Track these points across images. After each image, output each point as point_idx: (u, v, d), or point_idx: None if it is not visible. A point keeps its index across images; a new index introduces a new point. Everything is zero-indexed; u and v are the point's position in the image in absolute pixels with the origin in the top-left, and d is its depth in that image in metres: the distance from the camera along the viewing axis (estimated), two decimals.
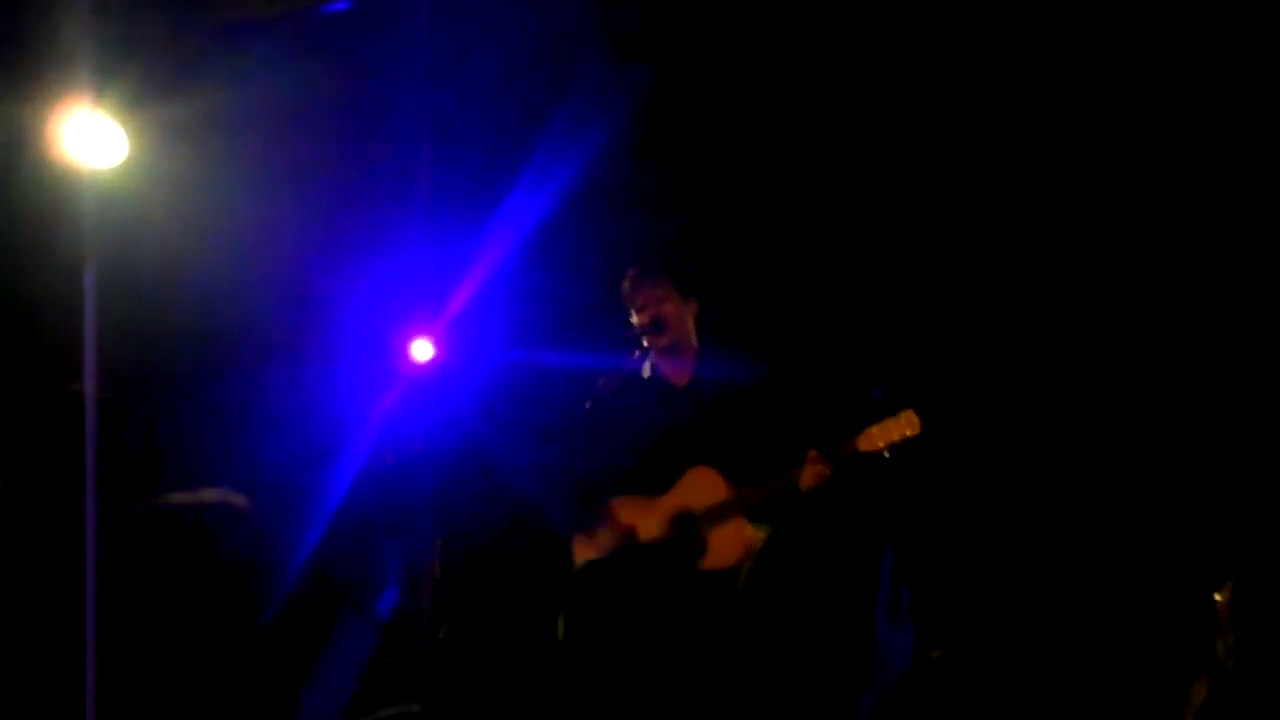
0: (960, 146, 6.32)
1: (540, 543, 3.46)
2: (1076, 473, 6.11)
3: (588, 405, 5.57)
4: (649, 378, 5.59)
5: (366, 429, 6.59)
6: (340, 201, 6.40)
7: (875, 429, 5.19)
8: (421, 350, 6.75)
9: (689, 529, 5.31)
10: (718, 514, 5.30)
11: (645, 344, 5.51)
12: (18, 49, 5.67)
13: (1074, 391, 6.19)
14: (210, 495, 2.23)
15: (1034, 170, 6.21)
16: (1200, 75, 5.87)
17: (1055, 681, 2.93)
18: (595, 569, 3.20)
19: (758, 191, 6.65)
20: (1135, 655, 5.51)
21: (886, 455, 5.17)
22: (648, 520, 5.38)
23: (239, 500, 2.26)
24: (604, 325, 5.86)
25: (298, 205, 6.28)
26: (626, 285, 5.53)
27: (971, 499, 6.25)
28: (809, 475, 5.17)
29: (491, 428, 6.63)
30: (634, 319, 5.51)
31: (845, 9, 6.38)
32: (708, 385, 5.52)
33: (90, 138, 5.63)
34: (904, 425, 5.17)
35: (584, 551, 5.35)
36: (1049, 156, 6.18)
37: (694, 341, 5.56)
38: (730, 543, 5.27)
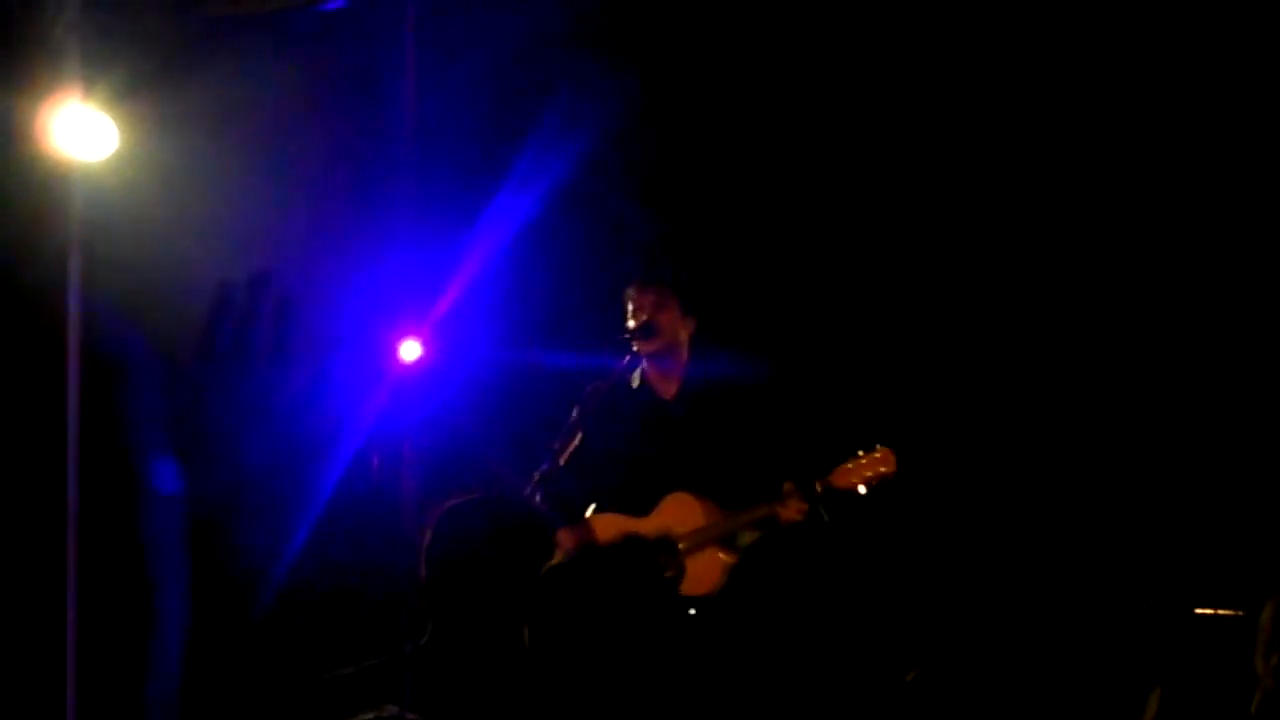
0: (953, 163, 6.30)
1: (525, 546, 3.43)
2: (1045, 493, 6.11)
3: (575, 412, 5.55)
4: (637, 387, 5.58)
5: (354, 428, 6.56)
6: (330, 198, 6.37)
7: (851, 465, 5.16)
8: (409, 350, 6.71)
9: (669, 552, 5.30)
10: (697, 540, 5.29)
11: (635, 348, 5.51)
12: (5, 41, 5.64)
13: (1060, 403, 6.19)
14: None
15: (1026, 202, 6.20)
16: (1200, 75, 5.85)
17: (1019, 692, 2.93)
18: (562, 572, 3.17)
19: (752, 200, 6.63)
20: (1093, 667, 5.52)
21: (863, 492, 5.14)
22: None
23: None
24: (595, 327, 5.86)
25: (287, 201, 6.25)
26: (631, 290, 5.54)
27: (942, 515, 6.24)
28: (787, 509, 5.14)
29: (479, 429, 6.61)
30: (629, 322, 5.51)
31: (831, 13, 6.37)
32: (694, 400, 5.51)
33: (80, 130, 5.61)
34: (880, 463, 5.14)
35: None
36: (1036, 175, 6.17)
37: (685, 355, 5.56)
38: (708, 570, 5.26)
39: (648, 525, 5.35)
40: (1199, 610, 5.25)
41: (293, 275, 6.47)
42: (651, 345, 5.51)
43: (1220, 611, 5.16)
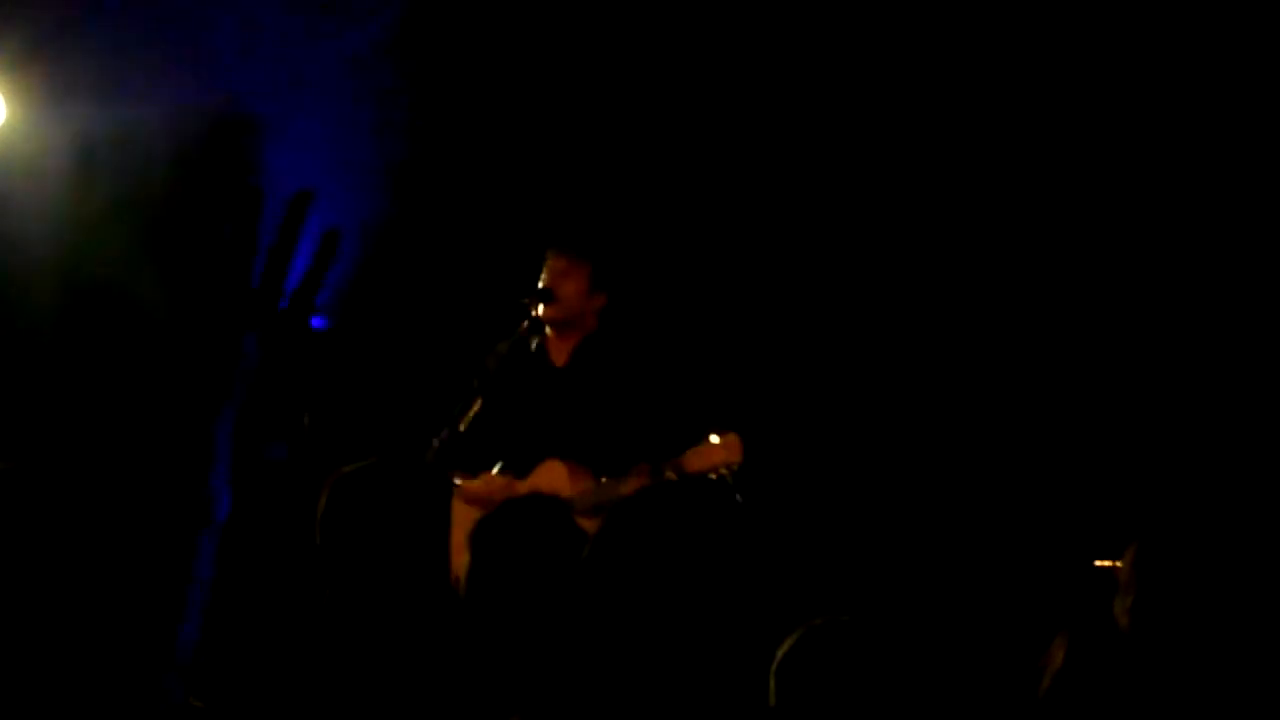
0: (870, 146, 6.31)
1: (421, 510, 3.43)
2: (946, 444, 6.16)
3: (477, 375, 5.53)
4: (534, 350, 5.57)
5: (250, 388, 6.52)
6: None
7: (699, 451, 5.07)
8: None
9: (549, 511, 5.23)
10: (574, 508, 5.22)
11: (533, 311, 5.49)
12: None
13: (957, 366, 6.23)
14: None
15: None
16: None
17: (926, 647, 2.97)
18: (505, 515, 3.18)
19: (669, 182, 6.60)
20: (994, 621, 5.59)
21: (713, 478, 5.06)
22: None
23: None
24: (499, 293, 5.84)
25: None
26: (548, 252, 5.51)
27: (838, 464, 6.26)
28: (631, 489, 5.06)
29: (377, 396, 6.59)
30: (539, 284, 5.50)
31: None
32: (581, 369, 5.49)
33: None
34: (725, 450, 5.05)
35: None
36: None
37: (589, 327, 5.52)
38: None
39: (521, 488, 5.32)
40: (1098, 563, 5.33)
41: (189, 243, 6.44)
42: (548, 312, 5.47)
43: (1118, 563, 5.24)
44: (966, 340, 6.23)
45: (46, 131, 5.83)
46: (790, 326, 6.42)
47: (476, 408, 5.42)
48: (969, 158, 6.19)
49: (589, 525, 5.13)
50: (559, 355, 5.54)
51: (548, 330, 5.52)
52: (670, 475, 5.03)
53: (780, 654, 3.10)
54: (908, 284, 6.31)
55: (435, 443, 5.39)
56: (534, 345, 5.55)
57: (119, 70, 5.89)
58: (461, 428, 5.39)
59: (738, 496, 5.08)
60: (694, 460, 5.06)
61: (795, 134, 6.40)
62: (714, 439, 5.05)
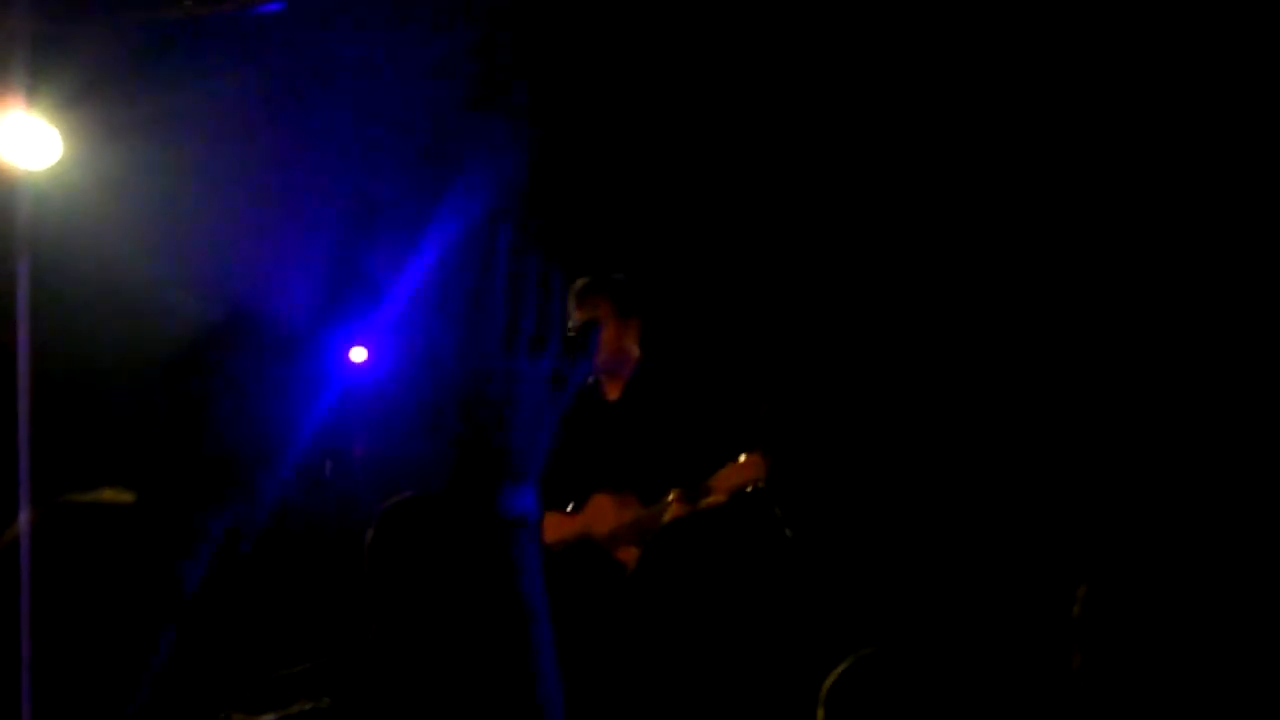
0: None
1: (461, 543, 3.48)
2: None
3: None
4: (590, 386, 5.58)
5: (305, 432, 6.59)
6: (275, 203, 6.40)
7: (728, 470, 5.06)
8: (356, 354, 6.74)
9: (589, 552, 5.24)
10: (614, 541, 5.25)
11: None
12: None
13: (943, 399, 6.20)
14: (108, 495, 2.21)
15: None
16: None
17: (975, 678, 2.99)
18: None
19: (702, 207, 6.61)
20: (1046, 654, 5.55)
21: (744, 493, 5.04)
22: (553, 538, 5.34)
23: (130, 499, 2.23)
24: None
25: (232, 207, 6.28)
26: (571, 298, 5.52)
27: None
28: (670, 516, 5.08)
29: (424, 430, 6.64)
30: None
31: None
32: (634, 401, 5.50)
33: (24, 139, 5.64)
34: (753, 469, 5.04)
35: None
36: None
37: (630, 356, 5.53)
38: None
39: (573, 524, 5.34)
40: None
41: (241, 280, 6.53)
42: None
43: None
44: (1006, 359, 6.21)
45: (102, 168, 5.93)
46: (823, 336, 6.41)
47: None
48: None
49: (630, 555, 5.21)
50: (612, 390, 5.55)
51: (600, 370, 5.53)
52: (706, 498, 5.04)
53: (829, 684, 3.13)
54: (937, 285, 6.30)
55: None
56: (591, 380, 5.56)
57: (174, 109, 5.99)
58: None
59: (776, 510, 5.06)
60: (724, 480, 5.05)
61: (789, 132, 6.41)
62: (741, 458, 5.05)
